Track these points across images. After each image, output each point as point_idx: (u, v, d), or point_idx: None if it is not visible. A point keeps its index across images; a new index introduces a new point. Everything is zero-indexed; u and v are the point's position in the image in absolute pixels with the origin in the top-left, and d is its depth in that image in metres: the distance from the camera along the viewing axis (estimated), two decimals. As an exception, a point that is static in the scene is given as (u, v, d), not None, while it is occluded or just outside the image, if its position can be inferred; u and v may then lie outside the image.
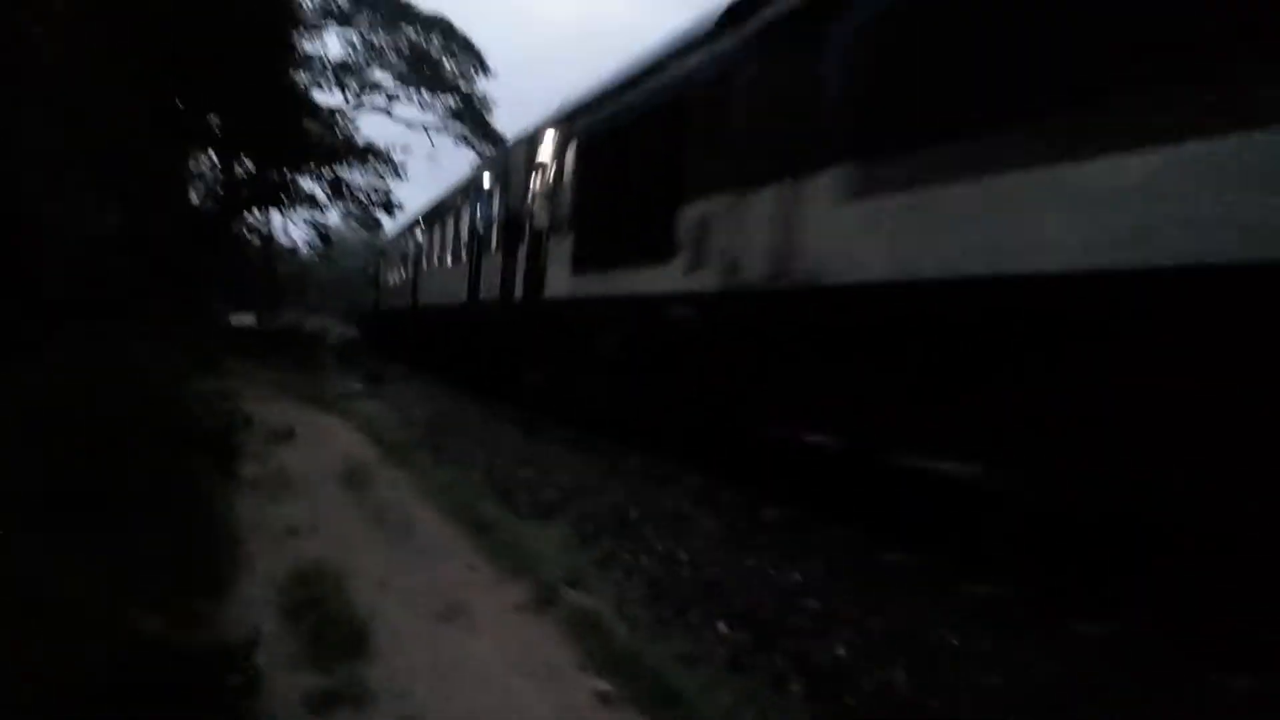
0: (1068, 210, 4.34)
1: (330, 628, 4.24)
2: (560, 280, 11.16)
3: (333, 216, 40.15)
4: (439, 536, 6.33)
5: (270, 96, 25.51)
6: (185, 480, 7.01)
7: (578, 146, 11.11)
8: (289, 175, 34.14)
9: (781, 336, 6.69)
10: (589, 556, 5.45)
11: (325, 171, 35.51)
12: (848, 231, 5.92)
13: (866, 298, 5.70)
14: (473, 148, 41.24)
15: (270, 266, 35.68)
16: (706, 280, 7.54)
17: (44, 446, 5.80)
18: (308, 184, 35.72)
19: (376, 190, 35.33)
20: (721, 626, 4.17)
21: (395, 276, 27.38)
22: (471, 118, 41.12)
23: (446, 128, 41.14)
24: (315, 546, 6.01)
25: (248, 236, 35.55)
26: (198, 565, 5.21)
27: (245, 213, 34.49)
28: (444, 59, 40.13)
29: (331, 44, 46.43)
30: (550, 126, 12.28)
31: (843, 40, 6.18)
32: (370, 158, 35.80)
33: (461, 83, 40.73)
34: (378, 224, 37.77)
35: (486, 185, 15.71)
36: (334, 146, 34.65)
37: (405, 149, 37.20)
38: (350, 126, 37.74)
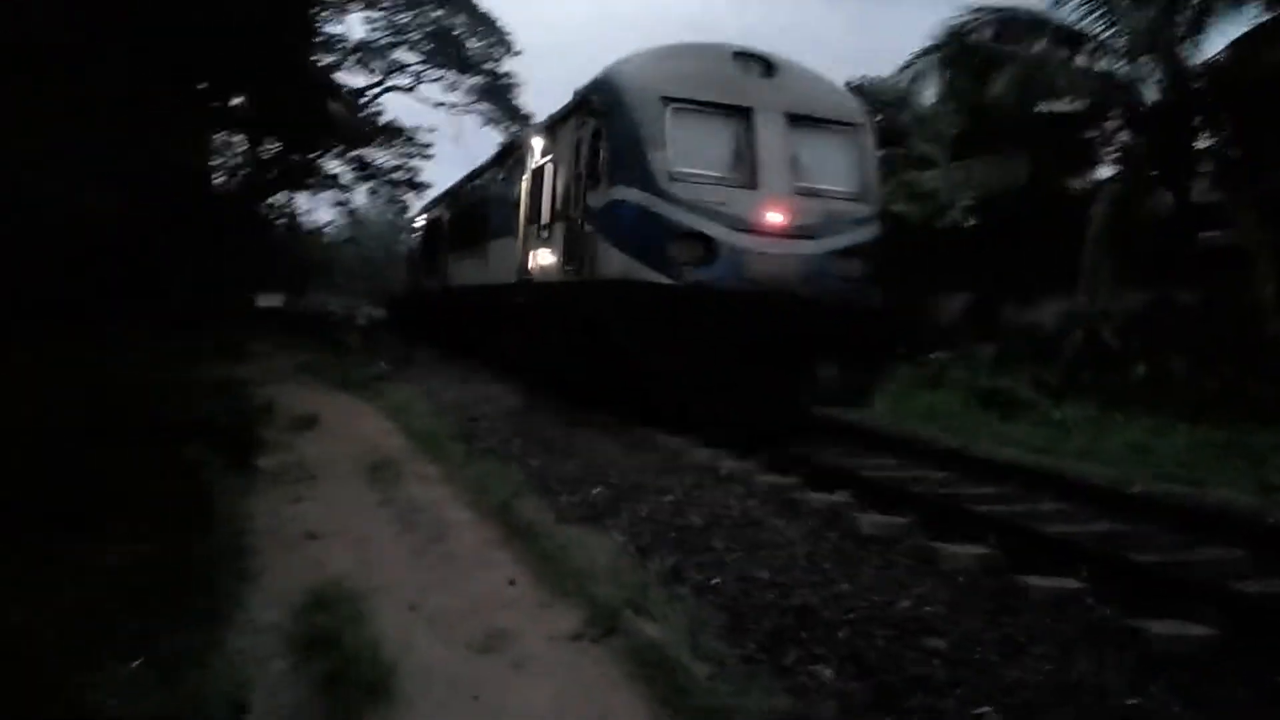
0: (485, 265, 15.70)
1: (350, 668, 3.49)
2: (426, 280, 24.29)
3: (359, 197, 39.53)
4: (474, 543, 5.59)
5: (292, 77, 24.78)
6: (192, 480, 6.33)
7: (425, 222, 26.23)
8: (313, 156, 33.50)
9: (458, 303, 18.52)
10: (650, 572, 4.68)
11: (350, 152, 34.82)
12: (456, 268, 19.23)
13: (461, 290, 18.29)
14: (498, 126, 40.28)
15: (296, 248, 35.09)
16: (446, 282, 20.28)
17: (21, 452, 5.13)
18: (333, 165, 35.11)
19: (402, 170, 34.54)
20: (825, 672, 3.39)
21: (401, 268, 35.60)
22: (497, 97, 40.12)
23: (472, 108, 40.19)
24: (336, 555, 5.30)
25: (274, 218, 35.02)
26: (197, 583, 4.51)
27: (271, 195, 33.91)
28: (468, 38, 39.14)
29: (354, 25, 45.19)
30: (422, 210, 28.62)
31: (446, 219, 21.92)
32: (395, 138, 35.02)
33: (486, 63, 39.72)
34: (404, 205, 36.97)
35: (413, 228, 30.44)
36: (358, 127, 33.92)
37: (431, 129, 36.13)
38: (375, 107, 37.00)
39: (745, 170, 9.06)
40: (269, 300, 30.50)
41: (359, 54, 36.95)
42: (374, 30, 36.63)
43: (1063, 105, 17.96)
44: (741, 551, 4.84)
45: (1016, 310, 19.90)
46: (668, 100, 9.10)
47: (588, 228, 9.86)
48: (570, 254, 10.44)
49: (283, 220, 35.44)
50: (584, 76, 11.48)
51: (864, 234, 9.62)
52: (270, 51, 22.30)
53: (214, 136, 29.84)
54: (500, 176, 15.42)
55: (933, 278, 20.99)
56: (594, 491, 6.43)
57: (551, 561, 5.01)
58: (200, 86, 24.08)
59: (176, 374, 11.47)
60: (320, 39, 30.15)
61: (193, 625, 4.03)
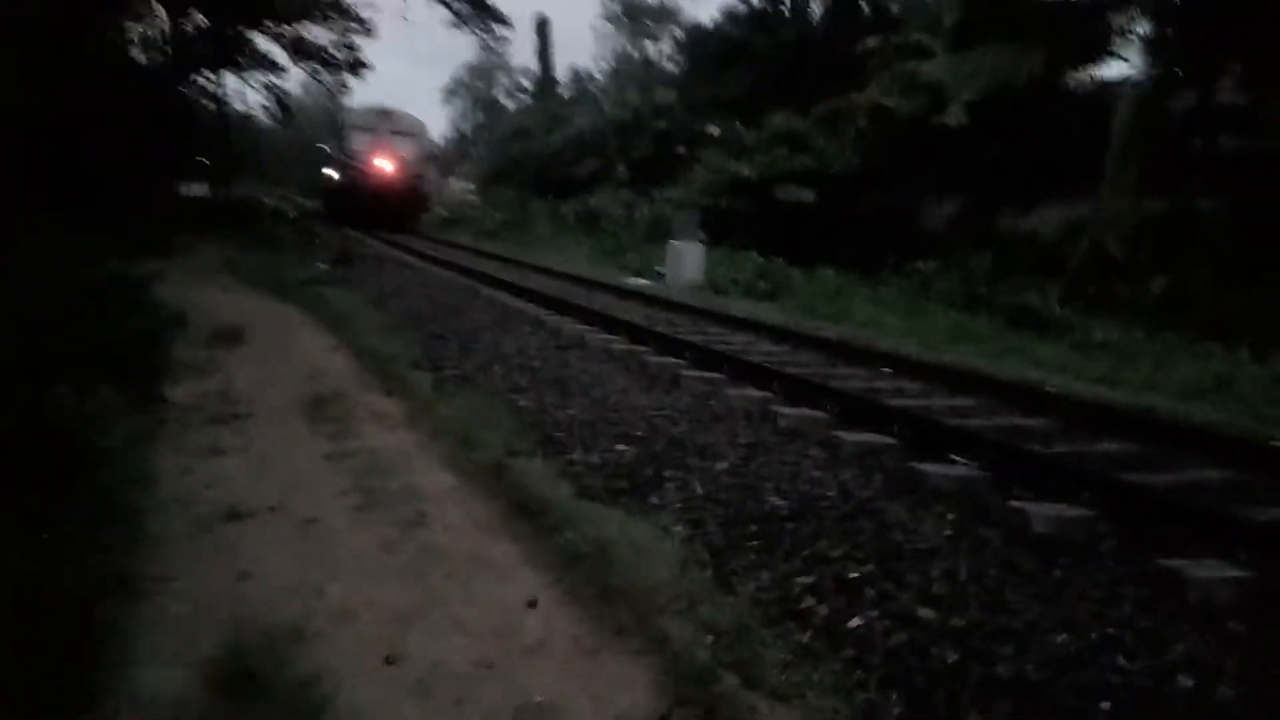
0: (332, 176, 31.38)
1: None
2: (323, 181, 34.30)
3: (293, 81, 36.45)
4: (467, 531, 4.04)
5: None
6: (69, 430, 4.64)
7: (327, 149, 34.36)
8: (244, 32, 30.40)
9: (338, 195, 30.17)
10: (742, 596, 3.18)
11: (284, 29, 31.66)
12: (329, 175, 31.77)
13: (328, 187, 32.25)
14: (447, 6, 37.15)
15: (224, 134, 32.15)
16: (328, 184, 31.87)
17: None
18: (264, 43, 31.92)
19: (342, 48, 31.47)
20: None
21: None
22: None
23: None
24: (270, 553, 3.72)
25: (199, 101, 31.87)
26: (59, 622, 2.90)
27: (196, 75, 30.71)
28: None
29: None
30: (331, 138, 34.25)
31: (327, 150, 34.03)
32: (334, 11, 31.83)
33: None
34: (344, 88, 33.91)
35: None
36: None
37: (372, 4, 32.80)
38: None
39: (375, 148, 27.63)
40: (193, 190, 27.81)
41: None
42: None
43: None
44: (875, 560, 3.34)
45: (1014, 216, 18.50)
46: (352, 126, 29.10)
47: (336, 165, 28.90)
48: (336, 173, 28.76)
49: (209, 103, 32.37)
50: None
51: (420, 170, 28.82)
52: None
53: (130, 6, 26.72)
54: (337, 139, 30.33)
55: (922, 179, 19.47)
56: (617, 445, 4.88)
57: (586, 567, 3.49)
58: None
59: (75, 273, 9.56)
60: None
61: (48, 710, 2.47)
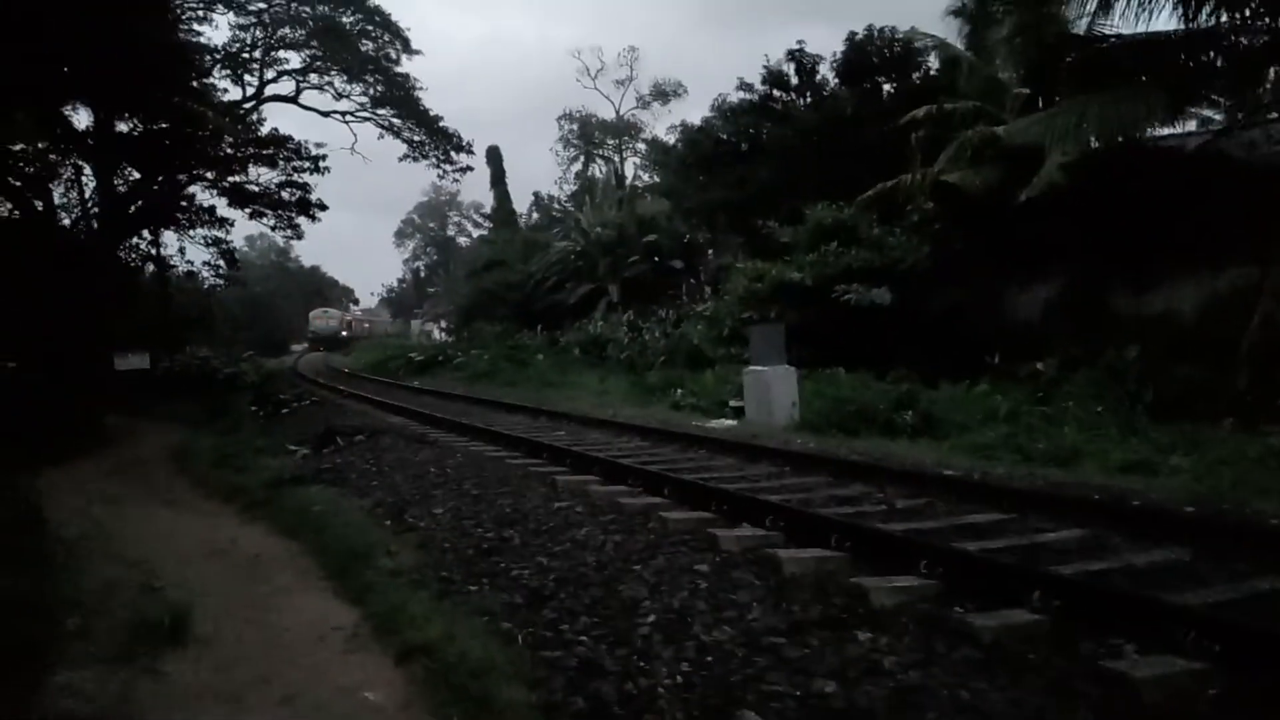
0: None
1: None
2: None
3: (240, 231, 32.95)
4: None
5: (151, 60, 18.26)
6: None
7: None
8: (183, 182, 26.86)
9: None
10: None
11: (226, 178, 28.03)
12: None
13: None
14: (400, 137, 34.11)
15: (165, 297, 28.23)
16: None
17: None
18: (205, 196, 28.21)
19: (290, 188, 28.03)
20: None
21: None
22: (398, 102, 33.87)
23: (369, 115, 33.93)
24: None
25: (134, 263, 27.91)
26: None
27: (130, 235, 26.88)
28: (357, 37, 32.83)
29: (221, 34, 37.29)
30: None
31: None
32: (279, 149, 28.32)
33: (381, 64, 33.44)
34: (296, 231, 30.09)
35: None
36: (237, 143, 27.17)
37: (320, 145, 29.22)
38: (253, 121, 30.41)
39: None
40: (131, 363, 23.58)
41: (229, 61, 30.47)
42: (248, 27, 30.19)
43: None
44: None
45: (1131, 297, 15.22)
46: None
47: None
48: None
49: (146, 265, 28.34)
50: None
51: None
52: (116, 34, 16.00)
53: (56, 164, 23.19)
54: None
55: (1007, 261, 16.25)
56: None
57: None
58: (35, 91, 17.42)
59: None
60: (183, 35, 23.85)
61: None
